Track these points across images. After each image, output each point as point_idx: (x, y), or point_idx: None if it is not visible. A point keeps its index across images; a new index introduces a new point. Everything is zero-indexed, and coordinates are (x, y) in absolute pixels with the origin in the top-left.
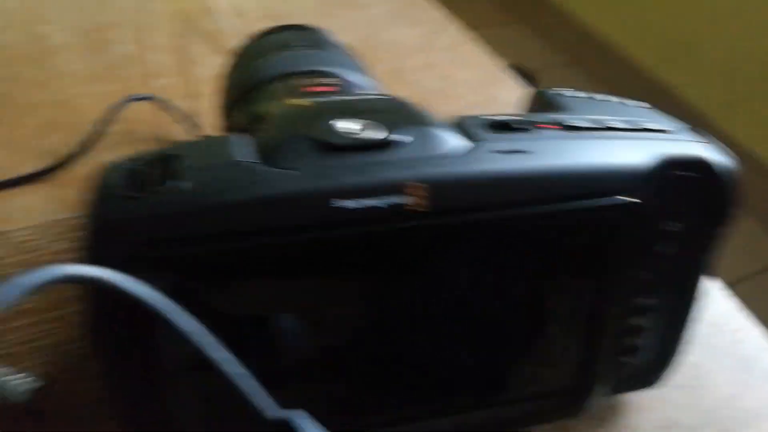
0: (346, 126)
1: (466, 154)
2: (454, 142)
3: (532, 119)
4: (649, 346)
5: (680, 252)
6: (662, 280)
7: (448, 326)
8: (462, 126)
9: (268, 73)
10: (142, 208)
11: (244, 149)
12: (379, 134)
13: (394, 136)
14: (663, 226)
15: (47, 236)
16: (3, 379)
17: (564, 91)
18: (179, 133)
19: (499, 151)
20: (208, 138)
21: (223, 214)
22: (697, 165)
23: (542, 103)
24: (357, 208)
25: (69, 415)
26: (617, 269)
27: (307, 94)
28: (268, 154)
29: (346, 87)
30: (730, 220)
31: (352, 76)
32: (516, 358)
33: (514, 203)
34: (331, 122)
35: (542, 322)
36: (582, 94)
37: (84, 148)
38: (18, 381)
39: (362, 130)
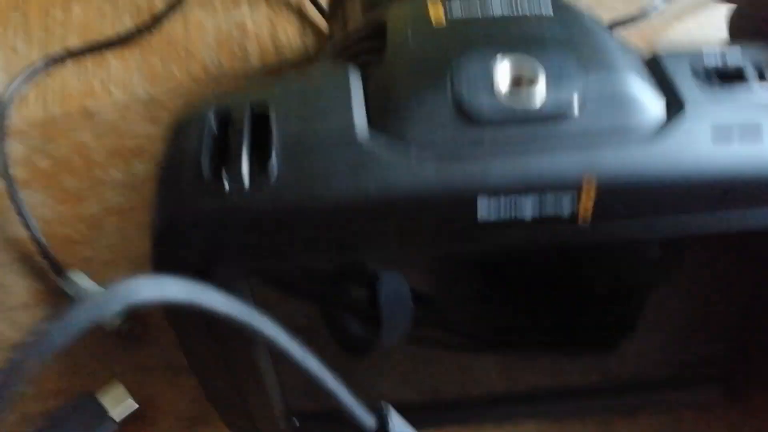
0: (494, 76)
1: (668, 131)
2: (649, 104)
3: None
4: None
5: None
6: None
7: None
8: (661, 70)
9: None
10: (221, 204)
11: (352, 107)
12: (536, 88)
13: (560, 94)
14: None
15: (132, 117)
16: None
17: None
18: None
19: (719, 127)
20: (305, 80)
21: (322, 216)
22: None
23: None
24: (504, 218)
25: (159, 342)
26: None
27: None
28: (387, 118)
29: None
30: None
31: None
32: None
33: (732, 206)
34: (471, 71)
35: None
36: None
37: (174, 4)
38: None
39: (513, 80)
